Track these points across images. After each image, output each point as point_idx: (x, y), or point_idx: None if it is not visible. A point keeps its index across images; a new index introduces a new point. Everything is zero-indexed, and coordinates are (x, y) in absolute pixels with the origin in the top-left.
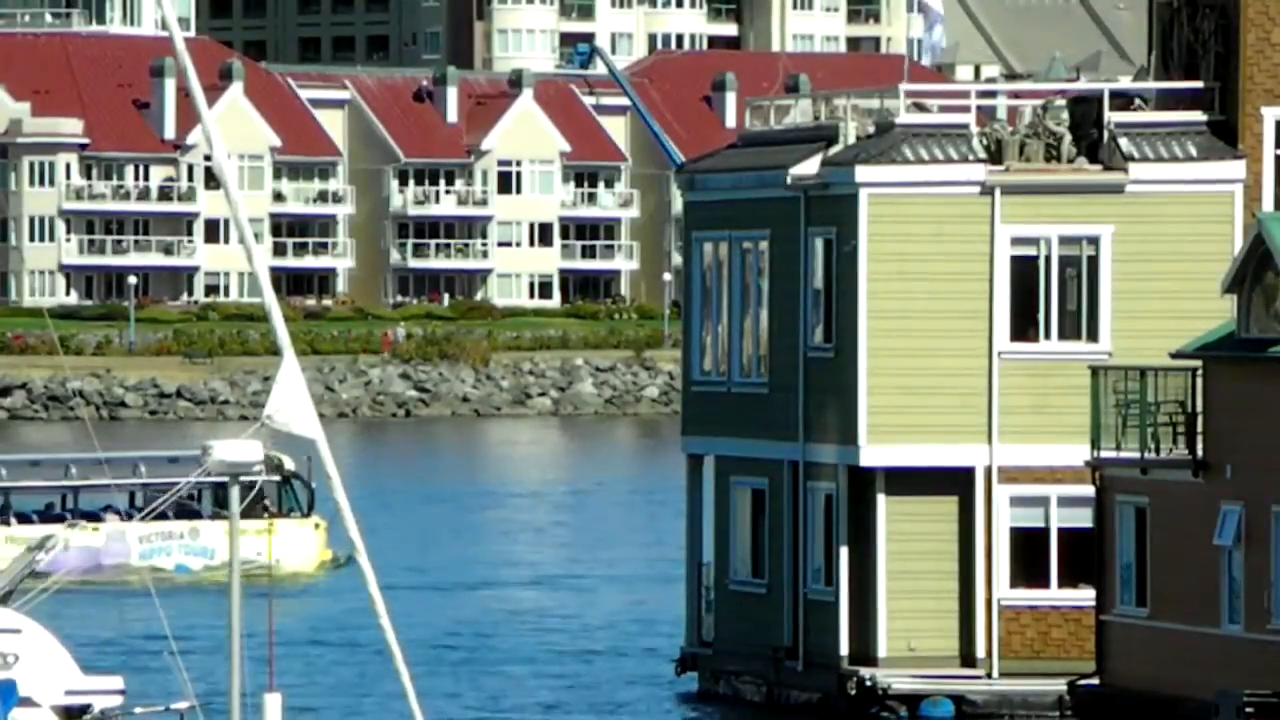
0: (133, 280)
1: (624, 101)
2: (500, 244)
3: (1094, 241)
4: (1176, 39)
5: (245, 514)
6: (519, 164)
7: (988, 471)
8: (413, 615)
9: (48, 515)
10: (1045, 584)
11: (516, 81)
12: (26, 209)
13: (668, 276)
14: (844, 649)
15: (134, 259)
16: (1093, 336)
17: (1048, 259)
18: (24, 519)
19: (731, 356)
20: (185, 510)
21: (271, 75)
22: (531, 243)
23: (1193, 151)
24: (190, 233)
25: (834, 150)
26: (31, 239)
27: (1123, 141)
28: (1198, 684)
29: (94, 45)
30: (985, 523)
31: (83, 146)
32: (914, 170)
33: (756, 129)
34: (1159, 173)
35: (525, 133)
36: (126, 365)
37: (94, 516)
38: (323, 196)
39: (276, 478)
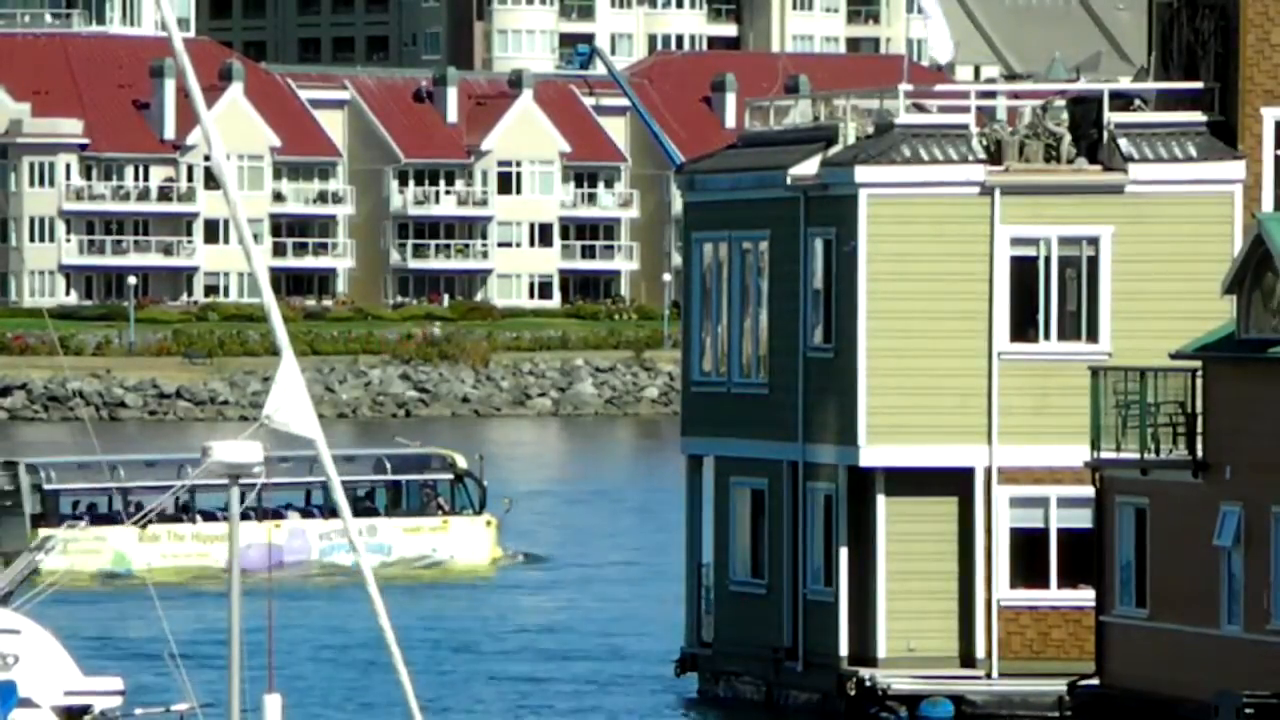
0: (132, 280)
1: (624, 102)
2: (500, 244)
3: (1094, 242)
4: (1176, 39)
5: (419, 511)
6: (519, 164)
7: (987, 472)
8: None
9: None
10: (1045, 584)
11: (516, 82)
12: (26, 209)
13: (668, 277)
14: (843, 649)
15: (134, 259)
16: (1093, 337)
17: (1047, 259)
18: (208, 516)
19: (731, 357)
20: (361, 508)
21: (271, 75)
22: (531, 243)
23: (1192, 152)
24: (190, 233)
25: (834, 150)
26: (31, 239)
27: (1122, 142)
28: (1197, 684)
29: (94, 45)
30: (985, 523)
31: (83, 147)
32: (914, 170)
33: (756, 129)
34: (1159, 173)
35: (525, 133)
36: (126, 365)
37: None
38: (323, 197)
39: (449, 476)
